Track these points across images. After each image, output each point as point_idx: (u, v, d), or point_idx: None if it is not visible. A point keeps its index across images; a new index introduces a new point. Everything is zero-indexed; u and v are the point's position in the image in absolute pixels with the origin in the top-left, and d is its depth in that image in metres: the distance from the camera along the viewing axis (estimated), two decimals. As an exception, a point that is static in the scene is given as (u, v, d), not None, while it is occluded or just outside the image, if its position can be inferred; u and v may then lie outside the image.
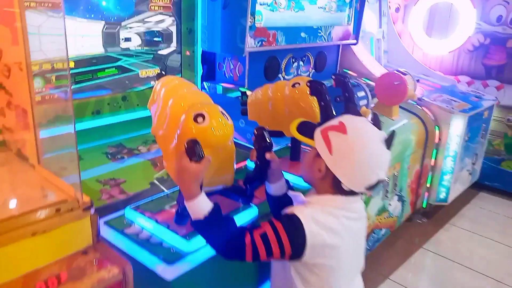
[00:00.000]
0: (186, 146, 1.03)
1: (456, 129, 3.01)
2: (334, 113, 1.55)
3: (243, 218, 1.34)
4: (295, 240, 1.04)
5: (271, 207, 1.32)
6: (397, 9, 4.11)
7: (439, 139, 3.04)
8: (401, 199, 2.88)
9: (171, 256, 1.13)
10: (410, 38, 4.06)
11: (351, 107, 1.65)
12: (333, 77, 1.77)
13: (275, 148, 1.26)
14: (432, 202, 3.21)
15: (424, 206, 3.22)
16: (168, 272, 1.08)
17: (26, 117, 1.19)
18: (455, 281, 2.64)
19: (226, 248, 1.06)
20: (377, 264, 2.68)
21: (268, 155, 1.18)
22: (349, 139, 1.10)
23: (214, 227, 1.04)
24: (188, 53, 2.25)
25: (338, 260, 1.11)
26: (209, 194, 1.09)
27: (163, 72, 2.00)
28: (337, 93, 1.80)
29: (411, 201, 3.07)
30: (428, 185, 3.15)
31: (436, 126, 2.99)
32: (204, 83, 2.58)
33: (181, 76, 2.27)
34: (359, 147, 1.09)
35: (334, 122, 1.15)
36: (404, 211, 2.99)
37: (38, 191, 1.07)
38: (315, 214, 1.08)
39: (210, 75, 2.69)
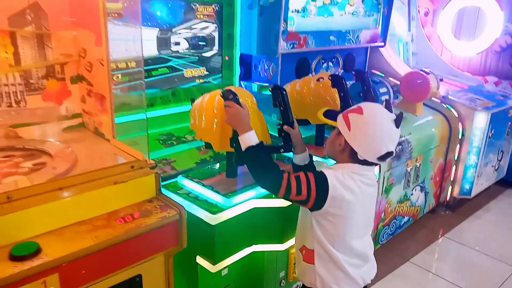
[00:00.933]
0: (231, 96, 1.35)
1: (479, 125, 3.17)
2: (351, 102, 1.82)
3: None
4: (320, 189, 1.29)
5: None
6: (426, 13, 4.28)
7: (463, 134, 3.20)
8: (423, 190, 3.07)
9: (214, 209, 1.44)
10: (438, 41, 4.21)
11: (369, 96, 1.90)
12: (354, 72, 2.04)
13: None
14: (456, 195, 3.37)
15: (447, 198, 3.37)
16: (213, 219, 1.40)
17: (104, 102, 1.54)
18: (474, 266, 2.79)
19: (265, 178, 1.33)
20: (399, 248, 2.89)
21: (285, 127, 1.48)
22: (365, 117, 1.34)
23: (260, 157, 1.34)
24: (227, 58, 2.56)
25: (352, 214, 1.35)
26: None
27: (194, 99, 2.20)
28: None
29: (434, 193, 3.24)
30: (452, 178, 3.30)
31: (459, 123, 3.16)
32: (242, 82, 2.90)
33: (221, 76, 2.60)
34: (372, 123, 1.34)
35: (354, 107, 1.40)
36: (427, 202, 3.17)
37: (116, 155, 1.41)
38: (337, 174, 1.33)
39: (246, 75, 3.00)
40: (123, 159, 1.38)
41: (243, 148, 1.36)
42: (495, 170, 3.64)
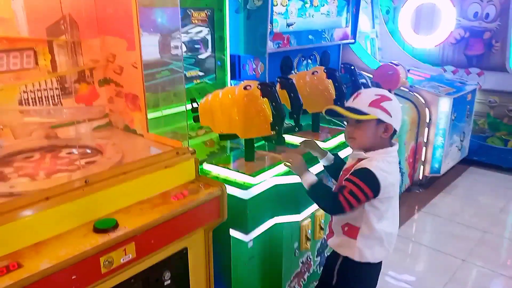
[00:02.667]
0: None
1: (443, 109, 3.56)
2: (344, 90, 2.09)
3: (282, 167, 1.87)
4: (373, 186, 1.44)
5: (330, 173, 1.80)
6: (388, 11, 4.68)
7: (430, 119, 3.58)
8: (400, 170, 3.40)
9: (245, 186, 1.67)
10: (400, 36, 4.61)
11: (356, 86, 2.19)
12: (342, 65, 2.32)
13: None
14: (427, 173, 3.75)
15: (419, 177, 3.75)
16: (245, 194, 1.63)
17: (137, 101, 1.73)
18: (449, 233, 3.16)
19: (330, 208, 1.53)
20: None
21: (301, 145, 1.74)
22: (393, 102, 1.53)
23: (318, 192, 1.52)
24: (223, 56, 2.77)
25: (395, 191, 1.54)
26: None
27: (196, 99, 2.10)
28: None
29: (409, 173, 3.60)
30: (422, 159, 3.68)
31: (426, 108, 3.54)
32: (231, 81, 3.12)
33: (215, 76, 2.81)
34: (398, 104, 1.55)
35: (374, 96, 1.51)
36: (403, 181, 3.52)
37: (157, 144, 1.61)
38: (379, 164, 1.47)
39: (235, 74, 3.23)
40: (158, 149, 1.58)
41: (306, 188, 1.53)
42: (459, 150, 4.07)
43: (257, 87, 1.68)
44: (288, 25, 3.07)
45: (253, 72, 3.15)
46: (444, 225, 3.28)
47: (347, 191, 1.45)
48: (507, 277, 2.66)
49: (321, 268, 2.28)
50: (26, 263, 1.05)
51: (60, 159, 1.52)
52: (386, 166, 1.49)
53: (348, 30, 3.79)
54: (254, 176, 1.72)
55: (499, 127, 4.16)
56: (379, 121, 1.50)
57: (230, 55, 2.92)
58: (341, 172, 1.63)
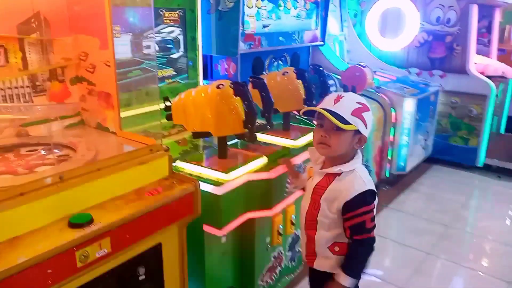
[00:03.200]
0: None
1: (408, 110, 3.71)
2: (313, 91, 2.17)
3: (254, 164, 1.93)
4: (374, 199, 1.47)
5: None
6: (356, 15, 4.83)
7: (395, 119, 3.73)
8: (367, 169, 3.53)
9: (218, 183, 1.72)
10: (367, 39, 4.77)
11: (325, 86, 2.27)
12: (311, 67, 2.40)
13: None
14: (393, 171, 3.90)
15: (387, 175, 3.89)
16: (218, 190, 1.67)
17: (110, 99, 1.74)
18: (414, 228, 3.30)
19: (371, 251, 1.50)
20: (352, 219, 3.32)
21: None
22: (370, 112, 1.49)
23: (362, 264, 1.50)
24: (195, 56, 2.80)
25: None
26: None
27: (168, 97, 2.10)
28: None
29: (376, 172, 3.73)
30: (389, 157, 3.83)
31: (392, 109, 3.68)
32: (203, 81, 3.15)
33: (187, 76, 2.84)
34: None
35: (355, 105, 1.45)
36: (371, 179, 3.64)
37: (130, 142, 1.63)
38: (363, 174, 1.49)
39: (207, 74, 3.26)
40: (131, 147, 1.60)
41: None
42: (423, 148, 4.25)
43: (230, 86, 1.73)
44: (264, 26, 3.14)
45: (225, 72, 3.19)
46: (409, 221, 3.43)
47: (369, 224, 1.46)
48: (468, 269, 2.81)
49: (292, 264, 2.36)
50: (2, 257, 1.05)
51: (32, 156, 1.52)
52: (365, 172, 1.51)
53: (318, 32, 3.89)
54: (227, 172, 1.76)
55: (460, 127, 4.37)
56: (356, 132, 1.46)
57: (203, 55, 2.96)
58: (312, 190, 1.57)
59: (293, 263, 2.42)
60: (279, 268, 2.27)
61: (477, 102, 4.21)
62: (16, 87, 1.66)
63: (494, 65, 4.69)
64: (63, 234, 1.19)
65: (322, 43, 3.92)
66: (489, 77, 4.46)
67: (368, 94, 3.69)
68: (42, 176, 1.25)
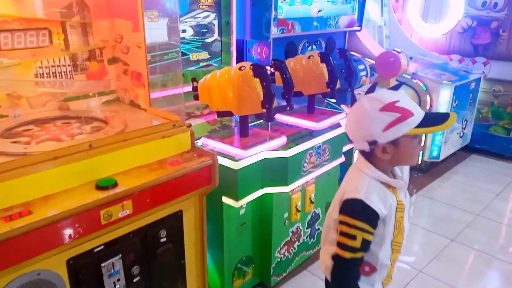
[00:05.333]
0: None
1: (444, 97, 3.64)
2: (337, 74, 2.22)
3: (273, 143, 2.03)
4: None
5: None
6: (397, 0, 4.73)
7: (430, 105, 3.66)
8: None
9: (236, 158, 1.84)
10: (408, 24, 4.66)
11: (350, 70, 2.31)
12: (337, 50, 2.44)
13: (296, 106, 1.91)
14: (426, 159, 3.85)
15: (419, 162, 3.85)
16: (235, 165, 1.80)
17: (141, 78, 1.90)
18: (444, 215, 3.28)
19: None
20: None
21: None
22: None
23: None
24: (229, 40, 2.91)
25: None
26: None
27: (196, 78, 2.19)
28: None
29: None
30: (422, 144, 3.77)
31: (427, 95, 3.62)
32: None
33: (221, 59, 2.96)
34: None
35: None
36: (402, 166, 3.63)
37: (158, 118, 1.78)
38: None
39: (240, 58, 3.37)
40: (157, 122, 1.75)
41: None
42: (460, 137, 4.14)
43: (250, 67, 1.83)
44: (319, 10, 3.20)
45: (258, 56, 3.29)
46: (439, 208, 3.40)
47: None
48: (489, 256, 2.78)
49: (311, 240, 2.46)
50: (36, 211, 1.24)
51: (69, 127, 1.71)
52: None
53: (355, 17, 3.88)
54: (245, 149, 1.88)
55: (502, 116, 4.21)
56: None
57: (237, 39, 3.07)
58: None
59: (312, 240, 2.52)
60: (297, 243, 2.38)
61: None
62: (58, 66, 1.86)
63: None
64: (90, 194, 1.36)
65: (359, 28, 3.90)
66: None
67: (403, 80, 3.65)
68: (73, 143, 1.43)
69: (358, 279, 1.30)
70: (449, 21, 4.37)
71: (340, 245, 1.26)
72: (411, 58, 3.56)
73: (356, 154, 2.86)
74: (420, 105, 3.64)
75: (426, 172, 3.97)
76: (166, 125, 1.67)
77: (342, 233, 1.25)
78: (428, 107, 3.66)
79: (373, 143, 1.24)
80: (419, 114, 1.22)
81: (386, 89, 1.30)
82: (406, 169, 1.38)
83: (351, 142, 1.34)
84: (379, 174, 1.28)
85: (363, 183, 1.27)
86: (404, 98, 1.25)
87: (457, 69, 4.07)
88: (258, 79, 1.81)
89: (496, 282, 2.59)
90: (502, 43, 4.13)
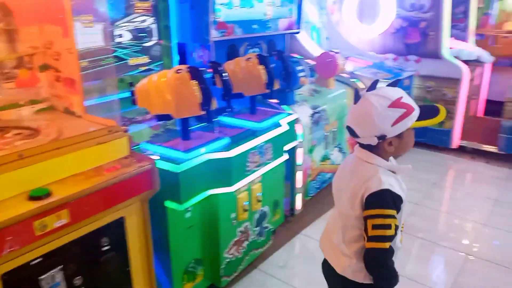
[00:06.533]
0: None
1: (380, 93, 3.82)
2: (274, 76, 2.29)
3: (216, 144, 2.05)
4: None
5: None
6: (334, 2, 4.91)
7: (369, 102, 3.84)
8: (341, 150, 3.67)
9: (177, 161, 1.84)
10: (346, 26, 4.86)
11: (288, 71, 2.38)
12: (275, 53, 2.51)
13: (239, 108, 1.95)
14: (368, 153, 4.03)
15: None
16: (177, 168, 1.80)
17: (75, 85, 1.85)
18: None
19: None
20: (325, 199, 3.47)
21: None
22: None
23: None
24: (169, 44, 2.90)
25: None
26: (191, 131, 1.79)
27: (132, 83, 2.19)
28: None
29: (350, 153, 3.86)
30: (363, 140, 3.95)
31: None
32: (179, 69, 3.25)
33: (163, 63, 2.94)
34: None
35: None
36: (345, 161, 3.77)
37: (92, 124, 1.74)
38: None
39: (183, 62, 3.36)
40: (93, 128, 1.72)
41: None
42: (398, 131, 4.36)
43: (187, 70, 1.84)
44: (266, 14, 3.24)
45: (201, 59, 3.30)
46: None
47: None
48: (421, 239, 2.97)
49: (261, 238, 2.50)
50: (-36, 224, 1.18)
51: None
52: None
53: (293, 20, 3.99)
54: (187, 152, 1.89)
55: (434, 110, 4.49)
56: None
57: (179, 43, 3.06)
58: None
59: (262, 238, 2.56)
60: (246, 242, 2.41)
61: (451, 85, 4.33)
62: (-16, 74, 1.77)
63: (469, 50, 4.79)
64: (22, 205, 1.31)
65: (298, 30, 4.02)
66: (465, 61, 4.59)
67: (341, 79, 3.81)
68: (2, 154, 1.37)
69: (394, 265, 1.36)
70: (383, 22, 4.61)
71: (376, 238, 1.29)
72: (347, 58, 3.72)
73: (298, 152, 2.95)
74: (359, 102, 3.81)
75: (368, 166, 4.14)
76: (101, 131, 1.64)
77: (376, 226, 1.29)
78: (366, 104, 3.83)
79: (381, 138, 1.32)
80: (417, 109, 1.33)
81: (386, 86, 1.39)
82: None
83: (354, 137, 1.39)
84: (388, 163, 1.38)
85: (382, 174, 1.33)
86: (405, 94, 1.34)
87: (392, 68, 4.30)
88: (195, 82, 1.83)
89: (441, 267, 2.76)
90: (431, 42, 4.42)
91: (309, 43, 4.18)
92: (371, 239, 1.31)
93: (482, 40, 5.66)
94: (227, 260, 2.27)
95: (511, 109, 4.11)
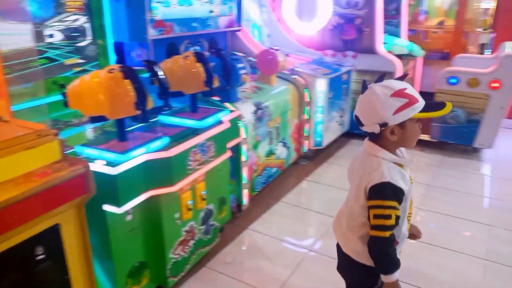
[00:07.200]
0: None
1: (320, 89, 3.96)
2: (213, 73, 2.30)
3: (155, 144, 2.03)
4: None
5: None
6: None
7: (310, 98, 3.95)
8: (285, 145, 3.75)
9: (113, 163, 1.80)
10: (286, 23, 4.95)
11: (226, 67, 2.39)
12: (213, 50, 2.52)
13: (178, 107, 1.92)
14: (311, 147, 4.15)
15: (304, 151, 4.14)
16: (113, 170, 1.76)
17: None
18: (332, 198, 3.58)
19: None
20: (271, 193, 3.55)
21: None
22: None
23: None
24: (104, 43, 2.81)
25: None
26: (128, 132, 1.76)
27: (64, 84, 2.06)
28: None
29: (295, 148, 3.96)
30: (306, 134, 4.06)
31: (305, 89, 3.90)
32: (118, 69, 3.17)
33: (99, 63, 2.85)
34: None
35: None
36: (290, 155, 3.87)
37: (20, 129, 1.66)
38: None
39: (121, 61, 3.28)
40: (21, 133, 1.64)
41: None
42: (339, 125, 4.54)
43: (120, 70, 1.81)
44: (211, 11, 3.21)
45: (140, 59, 3.24)
46: (328, 191, 3.71)
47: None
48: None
49: (207, 237, 2.49)
50: None
51: None
52: None
53: (234, 18, 4.01)
54: (123, 153, 1.85)
55: (372, 103, 4.70)
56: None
57: (116, 42, 2.98)
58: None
59: (208, 236, 2.57)
60: (192, 241, 2.40)
61: (385, 79, 4.53)
62: None
63: (402, 45, 5.06)
64: None
65: (238, 28, 4.05)
66: (398, 55, 4.84)
67: (283, 76, 3.89)
68: None
69: (395, 253, 1.45)
70: (321, 20, 4.74)
71: (377, 227, 1.40)
72: (287, 55, 3.80)
73: (243, 148, 2.97)
74: (300, 98, 3.91)
75: (313, 159, 4.28)
76: (29, 135, 1.57)
77: (377, 216, 1.40)
78: (307, 99, 3.95)
79: (383, 125, 1.40)
80: (422, 101, 1.40)
81: (393, 79, 1.47)
82: (404, 150, 1.57)
83: (360, 125, 1.48)
84: (392, 156, 1.45)
85: (385, 167, 1.41)
86: (410, 86, 1.42)
87: (330, 63, 4.45)
88: (129, 81, 1.79)
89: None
90: (366, 38, 4.62)
91: (251, 41, 4.22)
92: (373, 227, 1.43)
93: (414, 35, 6.00)
94: (173, 260, 2.26)
95: (442, 99, 4.40)
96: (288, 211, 3.36)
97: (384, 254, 1.44)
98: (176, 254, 2.27)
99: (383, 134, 1.44)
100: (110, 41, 2.85)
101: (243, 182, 3.09)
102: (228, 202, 2.81)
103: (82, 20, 2.72)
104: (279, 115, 3.55)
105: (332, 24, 4.77)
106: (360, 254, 1.54)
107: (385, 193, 1.40)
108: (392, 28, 5.34)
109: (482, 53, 6.05)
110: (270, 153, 3.48)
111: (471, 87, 4.13)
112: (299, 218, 3.29)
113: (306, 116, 3.99)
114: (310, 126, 4.06)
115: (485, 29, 6.46)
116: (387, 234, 1.40)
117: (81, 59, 2.74)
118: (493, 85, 4.04)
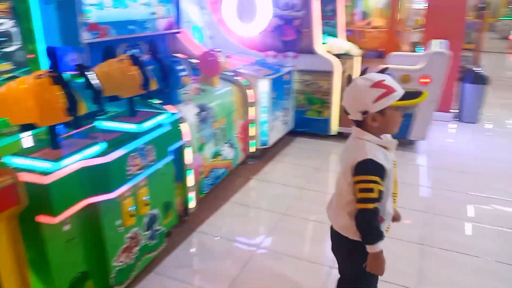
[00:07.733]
0: None
1: (263, 89, 4.02)
2: (149, 76, 2.27)
3: (91, 151, 1.98)
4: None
5: None
6: (215, 2, 5.00)
7: (253, 99, 4.01)
8: (232, 146, 3.77)
9: (45, 172, 1.73)
10: (227, 25, 4.97)
11: (165, 70, 2.37)
12: (150, 53, 2.49)
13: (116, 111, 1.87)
14: (258, 146, 4.21)
15: (252, 150, 4.19)
16: (45, 179, 1.70)
17: None
18: (281, 194, 3.66)
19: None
20: (220, 194, 3.56)
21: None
22: None
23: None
24: (34, 48, 2.69)
25: None
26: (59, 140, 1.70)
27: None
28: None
29: (242, 148, 4.00)
30: (251, 134, 4.11)
31: (248, 89, 3.95)
32: (52, 74, 3.04)
33: (29, 69, 2.72)
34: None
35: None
36: (237, 155, 3.90)
37: None
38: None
39: (55, 66, 3.15)
40: None
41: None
42: (284, 123, 4.63)
43: (48, 75, 1.74)
44: (153, 13, 3.12)
45: (74, 63, 3.12)
46: (276, 188, 3.78)
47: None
48: (313, 222, 3.22)
49: (153, 242, 2.46)
50: None
51: None
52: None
53: (173, 20, 3.98)
54: (56, 161, 1.79)
55: (314, 102, 4.86)
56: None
57: (50, 47, 2.86)
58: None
59: (154, 241, 2.53)
60: (136, 247, 2.36)
61: (324, 78, 4.71)
62: None
63: (339, 44, 5.26)
64: None
65: (177, 30, 4.01)
66: (337, 55, 5.02)
67: (226, 77, 3.91)
68: None
69: (380, 226, 1.60)
70: (261, 21, 4.82)
71: (362, 200, 1.55)
72: (228, 56, 3.83)
73: (186, 151, 2.96)
74: (244, 98, 3.96)
75: (260, 158, 4.34)
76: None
77: (361, 190, 1.55)
78: (251, 100, 4.00)
79: (365, 113, 1.57)
80: (400, 91, 1.56)
81: (375, 73, 1.62)
82: (389, 136, 1.69)
83: (347, 114, 1.64)
84: (376, 138, 1.60)
85: (368, 147, 1.58)
86: (388, 78, 1.57)
87: (272, 64, 4.53)
88: (59, 86, 1.74)
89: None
90: (305, 38, 4.75)
91: (192, 43, 4.21)
92: (358, 201, 1.57)
93: (351, 35, 6.26)
94: (118, 268, 2.21)
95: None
96: (237, 210, 3.39)
97: (369, 225, 1.58)
98: (120, 262, 2.22)
99: (366, 121, 1.60)
100: (41, 46, 2.73)
101: (189, 185, 3.07)
102: (173, 206, 2.79)
103: (8, 24, 2.59)
104: (224, 116, 3.57)
105: (273, 25, 4.86)
106: (348, 229, 1.67)
107: (368, 169, 1.55)
108: (330, 29, 5.54)
109: (414, 51, 6.44)
110: (217, 154, 3.49)
111: (404, 83, 4.37)
112: (248, 216, 3.33)
113: (251, 116, 4.04)
114: (256, 126, 4.12)
115: (416, 28, 6.88)
116: (371, 206, 1.54)
117: (11, 65, 2.60)
118: (423, 80, 4.31)
